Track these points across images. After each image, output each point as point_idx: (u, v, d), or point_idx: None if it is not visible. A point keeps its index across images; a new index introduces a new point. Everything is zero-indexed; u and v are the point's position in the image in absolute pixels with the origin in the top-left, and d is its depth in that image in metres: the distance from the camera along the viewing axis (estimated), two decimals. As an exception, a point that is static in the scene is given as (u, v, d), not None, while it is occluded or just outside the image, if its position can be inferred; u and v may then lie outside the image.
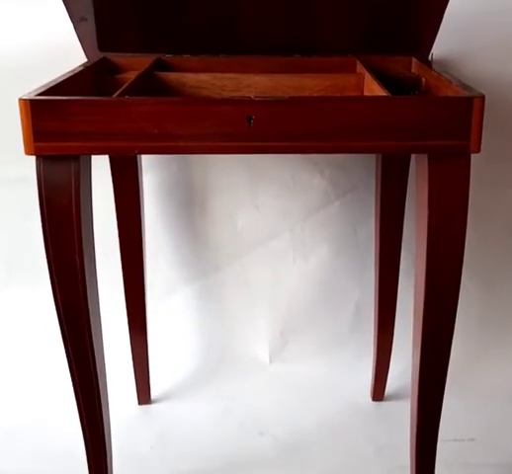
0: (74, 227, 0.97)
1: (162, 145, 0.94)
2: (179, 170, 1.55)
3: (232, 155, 1.43)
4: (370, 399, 1.57)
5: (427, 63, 1.23)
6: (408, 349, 1.13)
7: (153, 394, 1.57)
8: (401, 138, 0.94)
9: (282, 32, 1.25)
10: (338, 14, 1.23)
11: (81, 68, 1.16)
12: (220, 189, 1.57)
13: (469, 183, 0.96)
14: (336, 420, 1.50)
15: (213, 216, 1.59)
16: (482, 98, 0.93)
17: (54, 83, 1.00)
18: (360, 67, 1.23)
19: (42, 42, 1.41)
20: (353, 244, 1.62)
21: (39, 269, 1.22)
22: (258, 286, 1.64)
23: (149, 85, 1.16)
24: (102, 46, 1.27)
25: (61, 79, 1.04)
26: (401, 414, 1.38)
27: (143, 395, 1.55)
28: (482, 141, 0.95)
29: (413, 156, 1.18)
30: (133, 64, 1.28)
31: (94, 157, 0.99)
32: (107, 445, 1.16)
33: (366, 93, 1.18)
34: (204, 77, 1.21)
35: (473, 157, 0.95)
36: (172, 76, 1.22)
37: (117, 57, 1.29)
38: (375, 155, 1.43)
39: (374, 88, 1.10)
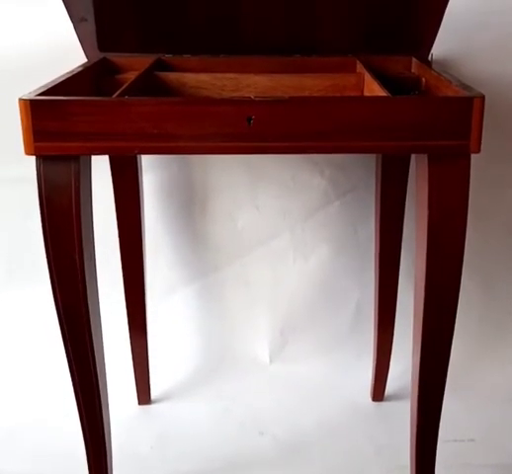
0: (74, 227, 0.97)
1: (162, 145, 0.94)
2: (179, 170, 1.55)
3: (232, 155, 1.43)
4: (370, 399, 1.57)
5: (427, 63, 1.23)
6: (408, 349, 1.13)
7: (153, 394, 1.57)
8: (401, 138, 0.94)
9: (282, 32, 1.25)
10: (338, 14, 1.23)
11: (81, 68, 1.16)
12: (220, 189, 1.57)
13: (468, 183, 0.96)
14: (336, 420, 1.50)
15: (213, 216, 1.59)
16: (482, 98, 0.93)
17: (54, 83, 1.00)
18: (360, 67, 1.23)
19: (42, 43, 1.41)
20: (353, 244, 1.62)
21: (39, 269, 1.22)
22: (258, 286, 1.64)
23: (149, 85, 1.16)
24: (102, 47, 1.27)
25: (61, 79, 1.04)
26: (401, 414, 1.38)
27: (143, 395, 1.55)
28: (482, 141, 0.95)
29: (413, 156, 1.18)
30: (133, 64, 1.28)
31: (94, 157, 0.99)
32: (107, 445, 1.16)
33: (366, 93, 1.18)
34: (204, 77, 1.21)
35: (473, 157, 0.95)
36: (172, 76, 1.22)
37: (117, 57, 1.29)
38: (375, 155, 1.43)
39: (374, 88, 1.10)
